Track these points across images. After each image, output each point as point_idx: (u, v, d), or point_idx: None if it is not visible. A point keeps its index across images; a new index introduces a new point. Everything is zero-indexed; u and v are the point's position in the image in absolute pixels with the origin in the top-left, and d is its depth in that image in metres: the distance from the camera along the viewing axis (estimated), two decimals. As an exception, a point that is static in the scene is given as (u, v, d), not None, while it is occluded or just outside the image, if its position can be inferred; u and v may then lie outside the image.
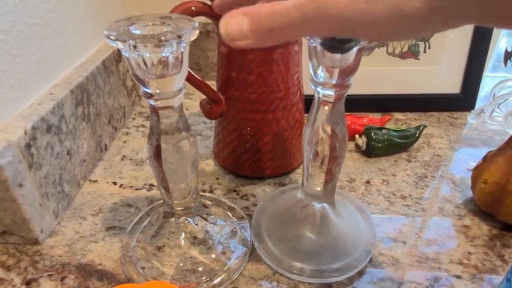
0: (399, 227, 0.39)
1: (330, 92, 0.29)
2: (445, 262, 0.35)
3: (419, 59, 0.57)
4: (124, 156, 0.50)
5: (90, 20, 0.50)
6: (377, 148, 0.49)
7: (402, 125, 0.56)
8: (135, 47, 0.24)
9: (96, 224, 0.40)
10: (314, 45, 0.27)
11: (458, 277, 0.34)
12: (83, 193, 0.44)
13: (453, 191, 0.44)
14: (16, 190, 0.33)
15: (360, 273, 0.34)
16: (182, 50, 0.26)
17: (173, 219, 0.36)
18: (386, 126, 0.52)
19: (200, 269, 0.34)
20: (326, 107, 0.30)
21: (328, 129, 0.31)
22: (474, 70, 0.56)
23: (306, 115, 0.36)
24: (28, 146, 0.34)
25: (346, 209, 0.40)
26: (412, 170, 0.47)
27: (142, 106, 0.62)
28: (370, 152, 0.49)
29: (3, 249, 0.37)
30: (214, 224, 0.38)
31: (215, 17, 0.38)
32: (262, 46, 0.19)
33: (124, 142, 0.53)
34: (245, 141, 0.43)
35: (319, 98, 0.30)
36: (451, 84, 0.58)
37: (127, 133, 0.55)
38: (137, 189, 0.45)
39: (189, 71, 0.34)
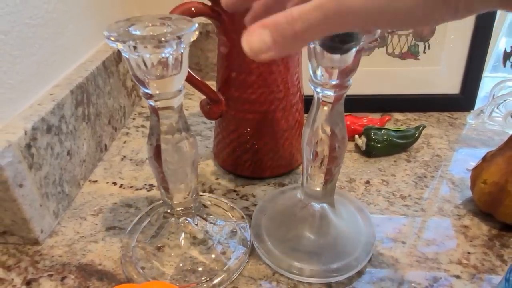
0: (399, 227, 0.39)
1: (330, 93, 0.29)
2: (445, 262, 0.35)
3: (418, 59, 0.57)
4: (124, 157, 0.50)
5: (90, 21, 0.50)
6: (377, 148, 0.49)
7: (401, 125, 0.56)
8: (135, 48, 0.24)
9: (96, 224, 0.40)
10: (313, 45, 0.27)
11: (458, 277, 0.34)
12: (83, 193, 0.44)
13: (452, 191, 0.44)
14: (16, 190, 0.33)
15: (360, 273, 0.34)
16: (182, 50, 0.26)
17: (173, 219, 0.36)
18: (385, 126, 0.52)
19: (200, 269, 0.34)
20: (325, 108, 0.31)
21: (328, 129, 0.31)
22: (474, 70, 0.56)
23: (305, 115, 0.37)
24: (28, 146, 0.34)
25: (345, 209, 0.40)
26: (411, 170, 0.47)
27: (142, 107, 0.63)
28: (369, 152, 0.49)
29: (3, 249, 0.37)
30: (214, 224, 0.38)
31: (215, 17, 0.38)
32: (287, 53, 0.19)
33: (124, 142, 0.53)
34: (245, 141, 0.43)
35: (318, 98, 0.30)
36: (451, 85, 0.58)
37: (127, 133, 0.56)
38: (137, 189, 0.45)
39: (189, 72, 0.34)
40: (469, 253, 0.36)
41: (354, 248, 0.36)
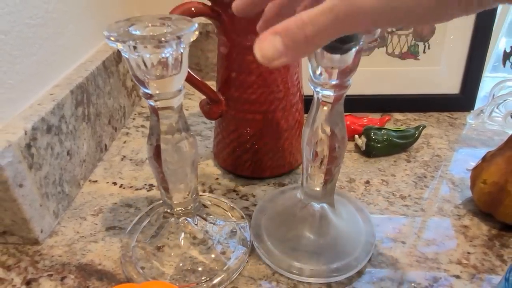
0: (399, 227, 0.39)
1: (329, 93, 0.29)
2: (444, 262, 0.35)
3: (418, 59, 0.57)
4: (124, 157, 0.50)
5: (90, 21, 0.50)
6: (377, 148, 0.49)
7: (401, 125, 0.56)
8: (135, 48, 0.24)
9: (96, 224, 0.40)
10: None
11: (457, 277, 0.34)
12: (83, 193, 0.44)
13: (452, 191, 0.44)
14: (16, 190, 0.33)
15: (360, 273, 0.34)
16: (182, 51, 0.26)
17: (172, 219, 0.36)
18: (385, 126, 0.52)
19: (200, 269, 0.34)
20: (325, 108, 0.31)
21: (328, 129, 0.31)
22: (474, 70, 0.56)
23: (305, 115, 0.37)
24: (28, 146, 0.34)
25: (345, 209, 0.40)
26: (411, 170, 0.47)
27: (142, 107, 0.63)
28: (369, 152, 0.49)
29: (3, 249, 0.37)
30: (214, 224, 0.38)
31: (215, 17, 0.38)
32: (300, 58, 0.19)
33: (124, 142, 0.53)
34: (245, 141, 0.43)
35: (318, 98, 0.30)
36: (451, 85, 0.58)
37: (127, 133, 0.56)
38: (137, 189, 0.45)
39: (189, 72, 0.34)
40: (469, 253, 0.36)
41: (354, 248, 0.36)
